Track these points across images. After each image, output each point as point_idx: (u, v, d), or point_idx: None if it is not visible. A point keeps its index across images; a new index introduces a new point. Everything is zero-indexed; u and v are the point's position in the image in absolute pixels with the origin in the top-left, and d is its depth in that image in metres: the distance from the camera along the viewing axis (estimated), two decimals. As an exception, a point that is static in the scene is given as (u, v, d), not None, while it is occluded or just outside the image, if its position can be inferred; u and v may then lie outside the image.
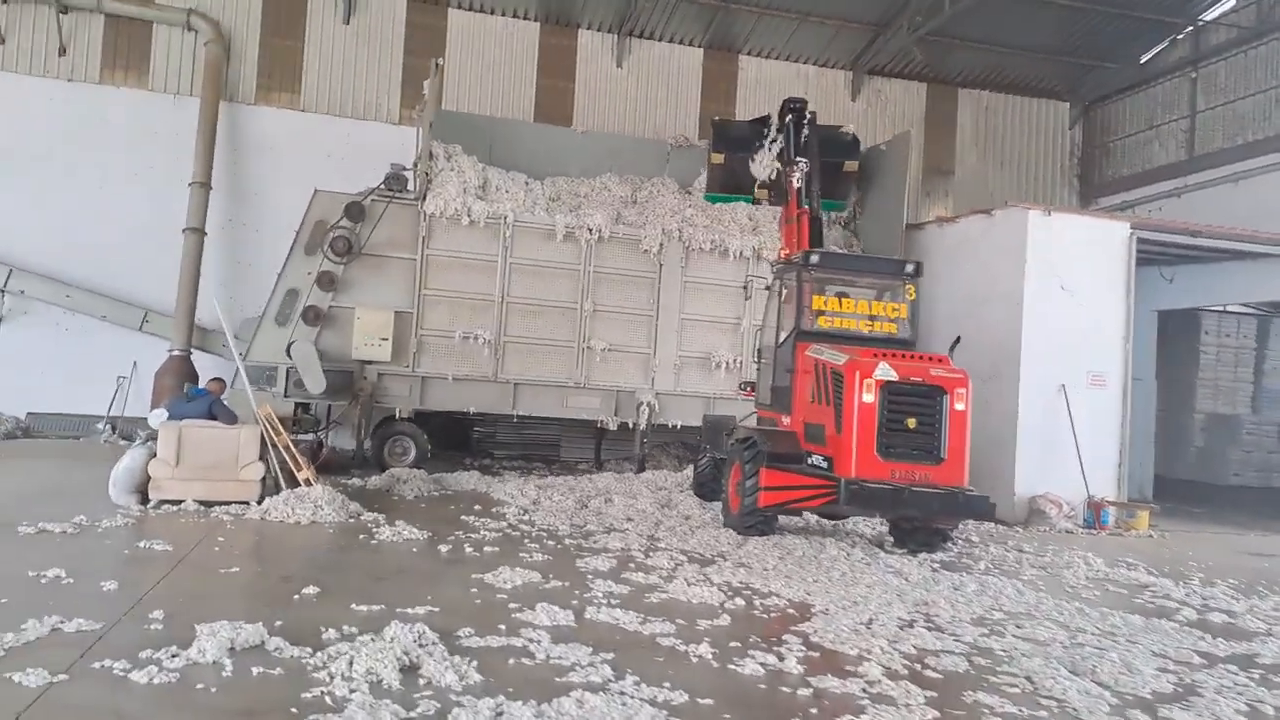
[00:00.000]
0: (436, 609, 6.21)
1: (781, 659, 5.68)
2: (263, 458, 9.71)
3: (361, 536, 8.70)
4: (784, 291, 10.56)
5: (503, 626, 5.94)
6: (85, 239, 16.46)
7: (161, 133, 16.87)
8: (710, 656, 5.67)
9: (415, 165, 13.79)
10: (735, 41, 20.19)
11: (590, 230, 14.12)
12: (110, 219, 16.54)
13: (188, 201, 16.01)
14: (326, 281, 13.06)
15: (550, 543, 9.00)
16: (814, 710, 4.88)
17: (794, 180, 12.10)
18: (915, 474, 8.80)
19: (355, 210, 13.12)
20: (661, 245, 14.43)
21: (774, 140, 13.69)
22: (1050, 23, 20.76)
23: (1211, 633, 7.24)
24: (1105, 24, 21.06)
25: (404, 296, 13.50)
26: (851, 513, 9.74)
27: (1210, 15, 20.99)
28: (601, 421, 14.31)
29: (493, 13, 18.80)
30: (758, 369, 11.30)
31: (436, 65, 14.08)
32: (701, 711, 4.75)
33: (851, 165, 15.59)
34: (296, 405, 12.89)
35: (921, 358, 9.41)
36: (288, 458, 9.91)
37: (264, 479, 9.68)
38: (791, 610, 7.02)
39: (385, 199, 13.32)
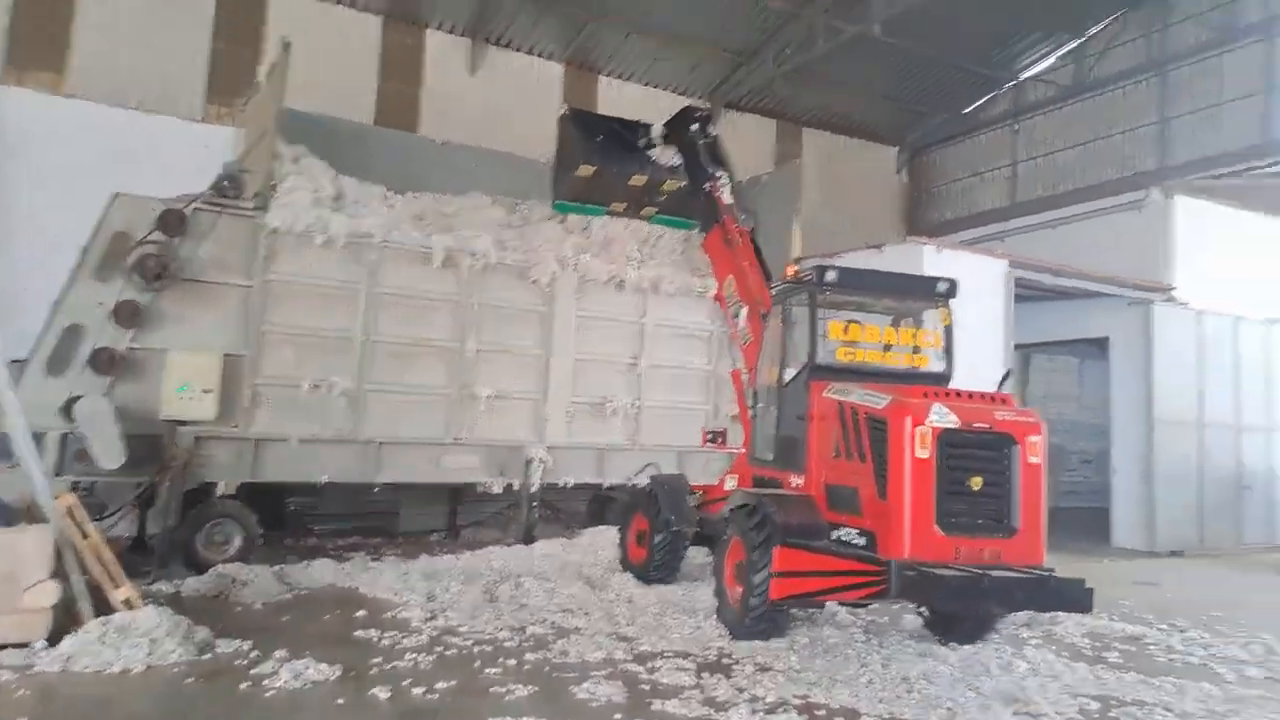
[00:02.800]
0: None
1: None
2: (58, 574, 6.53)
3: (243, 687, 5.85)
4: (787, 319, 8.43)
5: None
6: None
7: None
8: None
9: (241, 170, 10.83)
10: (597, 61, 18.73)
11: (474, 256, 11.74)
12: None
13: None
14: (127, 314, 9.75)
15: (508, 661, 6.62)
16: None
17: (723, 196, 10.42)
18: (983, 551, 6.76)
19: (174, 220, 9.94)
20: (554, 276, 12.32)
21: (667, 145, 11.98)
22: (890, 69, 20.96)
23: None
24: (939, 74, 21.57)
25: (234, 335, 10.35)
26: (903, 602, 7.81)
27: (1031, 72, 22.06)
28: (486, 485, 11.83)
29: (326, -1, 16.07)
30: (753, 415, 8.99)
31: (286, 46, 11.20)
32: None
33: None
34: (74, 484, 9.40)
35: (978, 397, 7.31)
36: (99, 570, 6.76)
37: (58, 606, 6.48)
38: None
39: (216, 208, 10.27)
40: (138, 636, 6.23)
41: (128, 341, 9.80)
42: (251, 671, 6.08)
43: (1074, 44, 21.22)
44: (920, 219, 24.15)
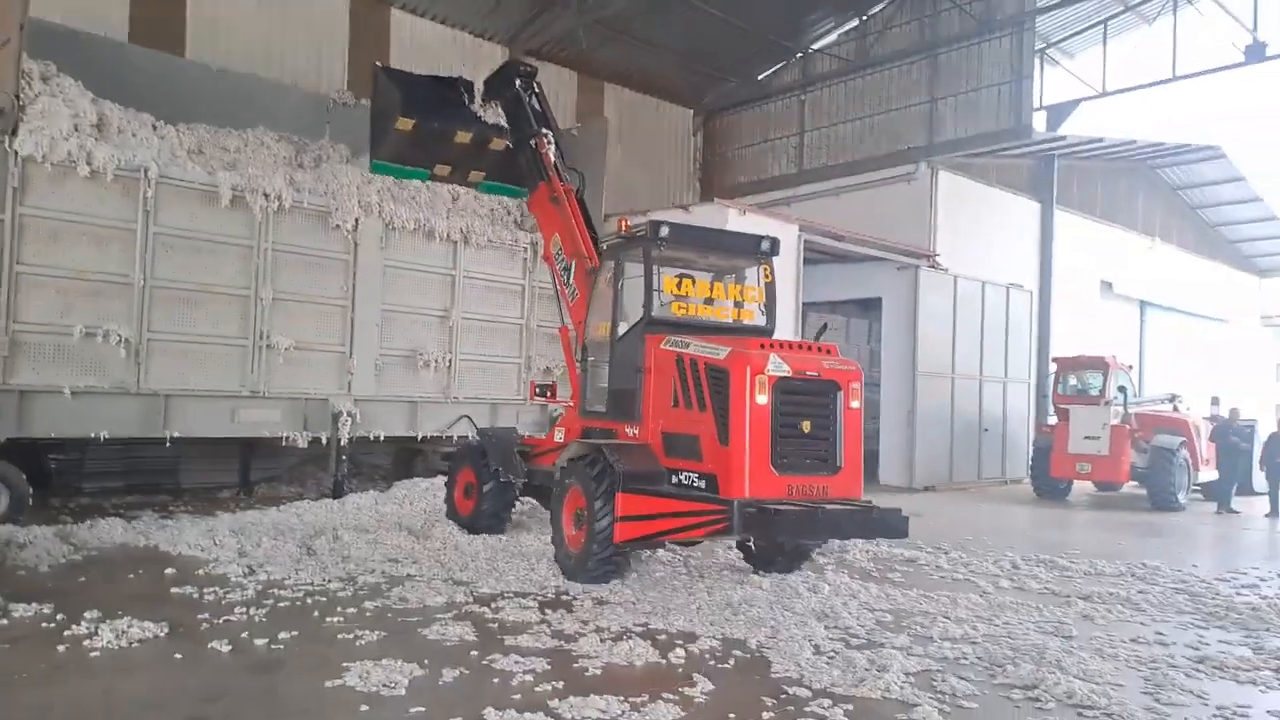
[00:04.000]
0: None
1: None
2: None
3: (61, 649, 5.36)
4: (618, 274, 8.44)
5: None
6: None
7: None
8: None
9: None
10: (389, -10, 17.83)
11: (267, 196, 11.01)
12: None
13: None
14: None
15: (347, 610, 6.47)
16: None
17: (549, 153, 10.28)
18: (813, 487, 7.25)
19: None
20: (358, 222, 11.81)
21: (491, 102, 11.48)
22: (690, 31, 21.48)
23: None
24: (736, 40, 22.37)
25: (-16, 275, 9.21)
26: (743, 539, 8.17)
27: (817, 45, 23.37)
28: (290, 439, 11.27)
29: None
30: (582, 369, 8.92)
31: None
32: None
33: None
34: None
35: (808, 347, 7.73)
36: None
37: None
38: (739, 653, 5.80)
39: (-45, 131, 8.99)
40: (-84, 607, 5.56)
41: None
42: (65, 634, 5.59)
43: (857, 21, 22.67)
44: (714, 180, 25.10)
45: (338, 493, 11.50)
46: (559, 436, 9.17)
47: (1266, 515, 15.22)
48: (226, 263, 10.79)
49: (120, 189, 9.98)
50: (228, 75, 13.94)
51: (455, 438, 12.88)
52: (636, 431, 7.99)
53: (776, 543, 8.02)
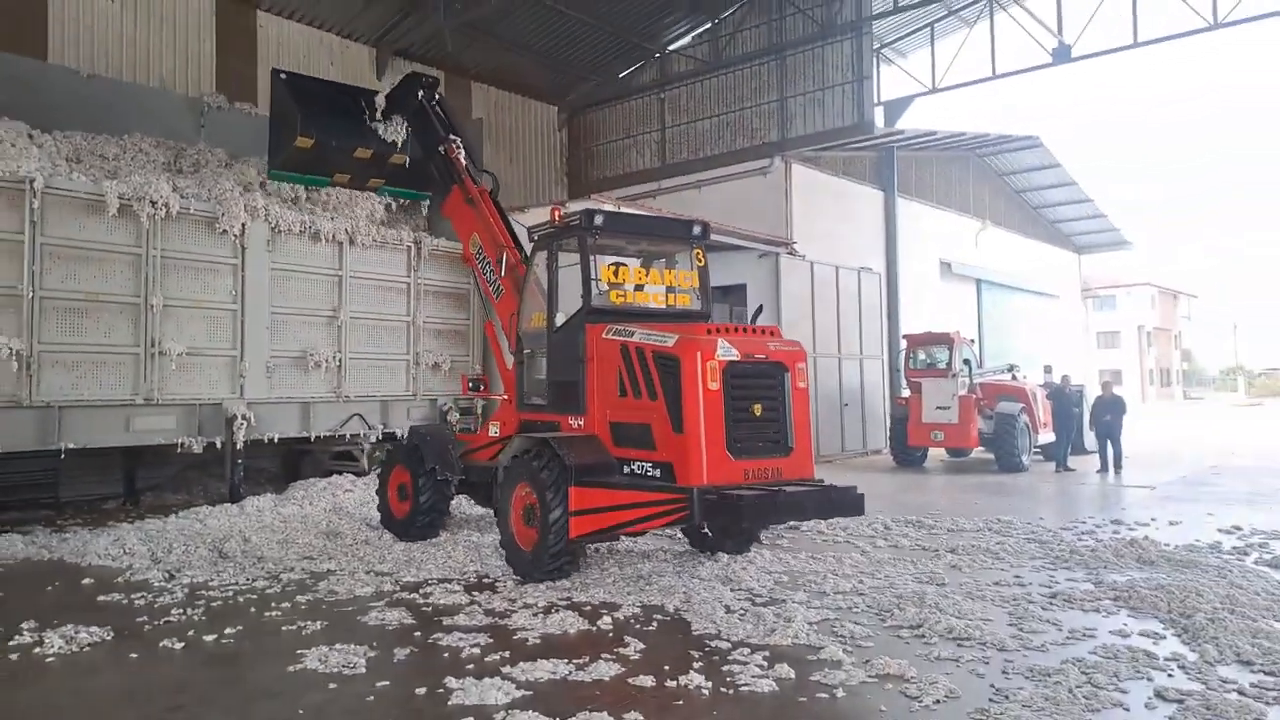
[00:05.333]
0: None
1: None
2: None
3: (13, 657, 5.54)
4: (552, 263, 8.39)
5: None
6: None
7: None
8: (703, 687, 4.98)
9: None
10: (255, -9, 17.58)
11: (154, 204, 10.95)
12: None
13: None
14: None
15: (281, 604, 6.84)
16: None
17: (460, 158, 10.63)
18: (768, 470, 7.26)
19: None
20: (244, 226, 11.85)
21: (393, 116, 11.69)
22: (554, 31, 22.02)
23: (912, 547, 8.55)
24: (597, 40, 23.05)
25: None
26: (709, 527, 8.13)
27: (674, 46, 24.30)
28: (185, 445, 11.25)
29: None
30: (518, 362, 8.90)
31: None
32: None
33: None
34: None
35: (752, 330, 7.68)
36: None
37: None
38: (660, 617, 6.49)
39: None
40: None
41: None
42: (10, 643, 5.77)
43: (709, 24, 23.73)
44: (580, 175, 25.73)
45: (235, 497, 11.55)
46: (494, 431, 9.24)
47: (1098, 471, 16.70)
48: (115, 271, 10.70)
49: (5, 201, 9.79)
50: (97, 80, 13.58)
51: (348, 436, 13.12)
52: (581, 423, 7.94)
53: (739, 528, 8.10)
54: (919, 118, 24.84)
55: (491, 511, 9.78)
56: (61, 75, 13.50)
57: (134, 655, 5.62)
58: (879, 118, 22.11)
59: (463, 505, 10.68)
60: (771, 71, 22.77)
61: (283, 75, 11.67)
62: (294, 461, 14.24)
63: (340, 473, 13.03)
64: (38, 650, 5.66)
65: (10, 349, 9.71)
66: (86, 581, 7.67)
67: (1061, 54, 19.56)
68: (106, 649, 5.76)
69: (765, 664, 5.36)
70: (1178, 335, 75.87)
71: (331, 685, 5.05)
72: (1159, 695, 4.88)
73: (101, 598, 7.08)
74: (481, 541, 9.29)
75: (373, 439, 13.31)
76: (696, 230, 8.60)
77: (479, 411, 14.68)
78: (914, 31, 24.05)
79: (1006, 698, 4.81)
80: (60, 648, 5.68)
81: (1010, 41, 24.51)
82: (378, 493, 10.07)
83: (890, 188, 23.78)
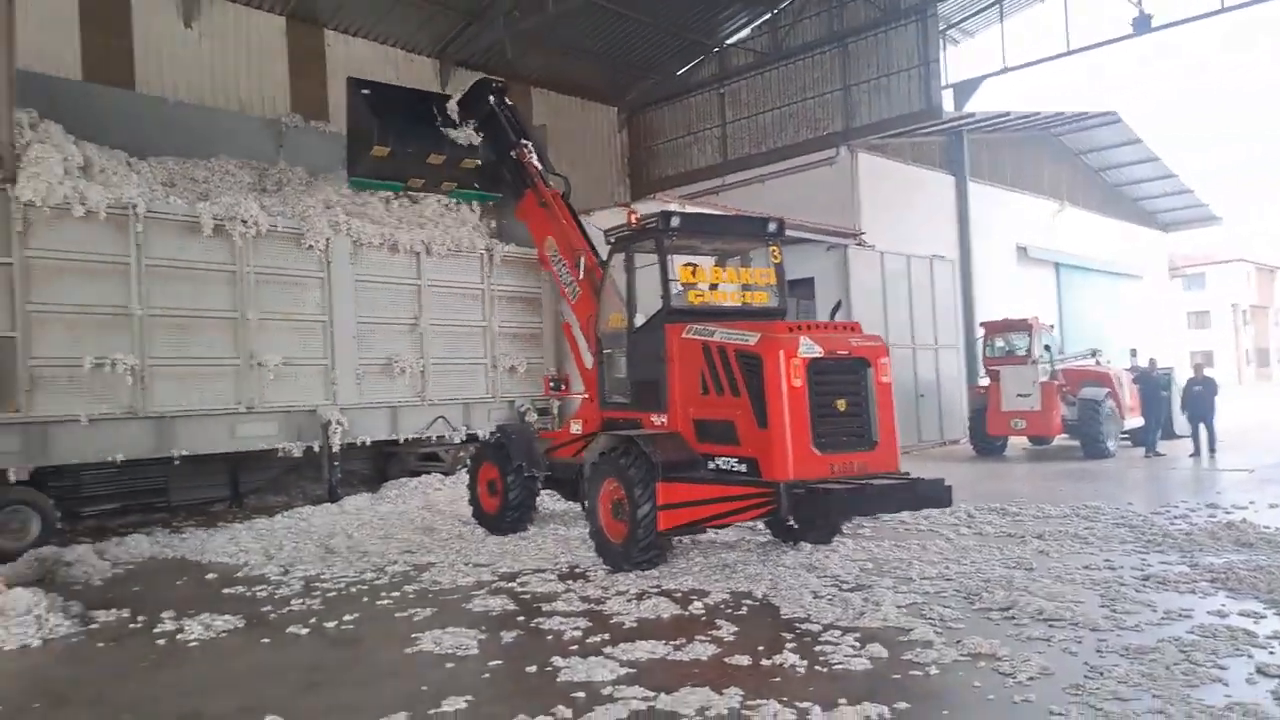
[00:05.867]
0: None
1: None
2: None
3: (160, 643, 6.06)
4: (630, 266, 8.54)
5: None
6: None
7: None
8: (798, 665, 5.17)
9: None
10: (321, 13, 18.31)
11: (245, 223, 11.55)
12: None
13: None
14: (-128, 298, 8.82)
15: (391, 594, 7.24)
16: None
17: (532, 161, 10.97)
18: (853, 464, 7.34)
19: (-92, 195, 9.03)
20: (328, 241, 12.40)
21: (465, 121, 12.13)
22: (611, 32, 22.31)
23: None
24: (654, 39, 23.28)
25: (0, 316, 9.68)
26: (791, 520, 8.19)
27: (732, 40, 24.39)
28: (286, 450, 11.86)
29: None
30: (599, 363, 9.02)
31: (1, -3, 10.15)
32: None
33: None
34: None
35: (833, 327, 7.83)
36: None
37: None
38: (749, 602, 6.69)
39: (-43, 181, 9.38)
40: (19, 615, 6.19)
41: (-125, 330, 8.88)
42: (155, 630, 6.28)
43: (768, 15, 23.74)
44: (642, 175, 26.00)
45: (333, 496, 12.12)
46: (576, 429, 9.53)
47: (1190, 455, 16.25)
48: (213, 288, 11.34)
49: (113, 226, 10.48)
50: (183, 107, 14.32)
51: (434, 438, 13.63)
52: (664, 420, 8.13)
53: (824, 520, 8.31)
54: (988, 99, 24.33)
55: (574, 505, 10.20)
56: (151, 104, 14.27)
57: (265, 640, 6.08)
58: (947, 101, 21.84)
59: (545, 500, 11.00)
60: (834, 60, 22.70)
61: (361, 87, 12.05)
62: (382, 463, 14.81)
63: (428, 472, 13.54)
64: (180, 636, 6.17)
65: (125, 364, 10.37)
66: (210, 576, 8.23)
67: (1141, 24, 18.98)
68: (240, 635, 6.24)
69: (857, 644, 5.51)
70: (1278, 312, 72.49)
71: (449, 665, 5.39)
72: (1260, 671, 4.85)
73: (226, 590, 7.59)
74: (569, 534, 9.62)
75: (457, 440, 13.81)
76: (772, 227, 8.69)
77: (555, 411, 15.10)
78: (982, 10, 23.66)
79: (1102, 675, 4.85)
80: (200, 634, 6.18)
81: (1084, 14, 23.90)
82: (469, 488, 10.43)
83: (961, 172, 23.46)
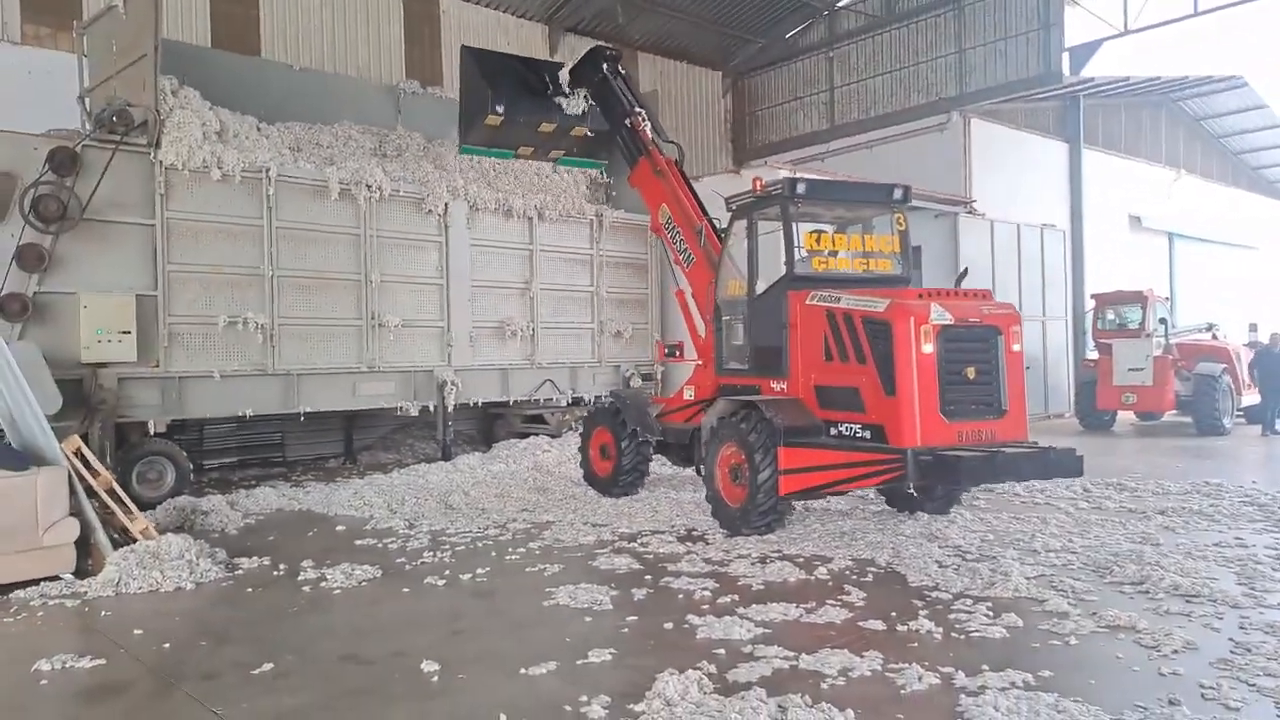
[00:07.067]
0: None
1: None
2: (75, 511, 6.72)
3: (306, 590, 6.40)
4: (752, 232, 8.53)
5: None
6: None
7: None
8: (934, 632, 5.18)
9: (126, 105, 10.38)
10: (437, -19, 18.60)
11: (369, 187, 11.91)
12: None
13: None
14: (32, 258, 9.38)
15: (517, 549, 7.48)
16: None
17: (645, 130, 10.98)
18: (981, 432, 7.28)
19: (64, 159, 9.52)
20: (447, 206, 12.69)
21: (576, 89, 12.14)
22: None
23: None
24: (761, 2, 22.90)
25: (142, 275, 10.17)
26: (915, 487, 8.19)
27: (843, 2, 23.82)
28: (403, 409, 12.28)
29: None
30: (717, 328, 9.19)
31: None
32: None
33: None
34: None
35: (964, 294, 7.71)
36: (115, 506, 6.97)
37: (80, 541, 6.69)
38: (874, 569, 6.66)
39: (109, 145, 9.89)
40: (172, 560, 6.58)
41: (34, 286, 9.48)
42: (299, 578, 6.63)
43: (880, -23, 23.11)
44: (746, 141, 25.73)
45: (447, 455, 12.51)
46: (689, 394, 9.59)
47: None
48: (338, 250, 11.74)
49: (246, 189, 10.92)
50: (308, 73, 14.76)
51: (541, 400, 13.91)
52: (784, 386, 8.16)
53: (951, 487, 8.35)
54: (1105, 63, 23.23)
55: (684, 470, 10.36)
56: (277, 70, 14.71)
57: (405, 590, 6.35)
58: (1065, 65, 20.95)
59: (653, 465, 11.11)
60: (949, 23, 21.96)
61: (474, 57, 12.00)
62: (488, 424, 15.19)
63: (534, 434, 13.83)
64: (324, 584, 6.48)
65: (256, 323, 10.86)
66: (340, 528, 8.61)
67: (1274, -17, 17.90)
68: (380, 584, 6.53)
69: (991, 613, 5.48)
70: None
71: (587, 618, 5.56)
72: None
73: (358, 542, 7.94)
74: (680, 498, 9.74)
75: (564, 403, 14.06)
76: (898, 194, 8.57)
77: (659, 377, 15.22)
78: (1102, -30, 22.54)
79: (1249, 650, 4.78)
80: (342, 582, 6.49)
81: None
82: (580, 451, 10.62)
83: (1076, 139, 22.51)
